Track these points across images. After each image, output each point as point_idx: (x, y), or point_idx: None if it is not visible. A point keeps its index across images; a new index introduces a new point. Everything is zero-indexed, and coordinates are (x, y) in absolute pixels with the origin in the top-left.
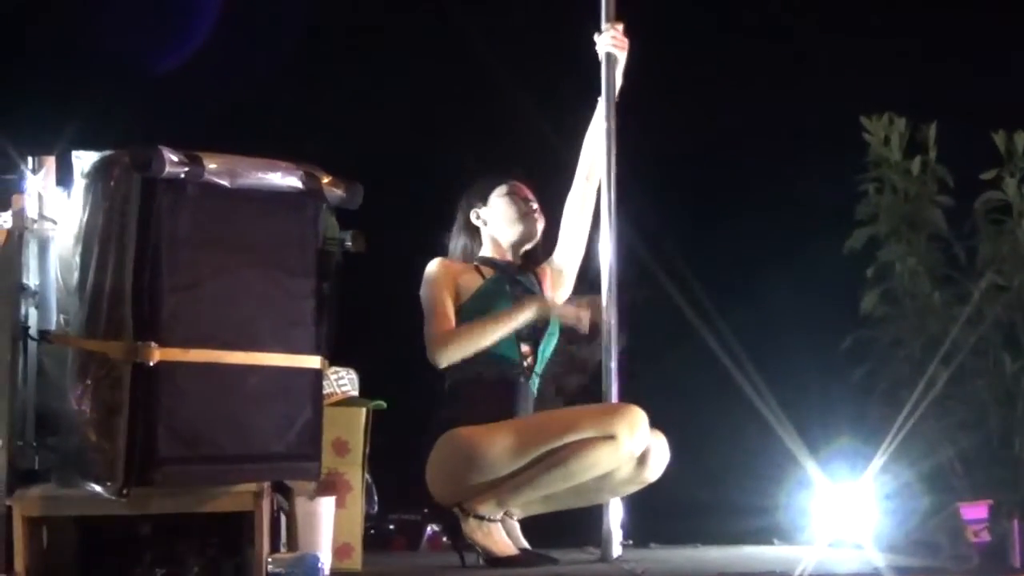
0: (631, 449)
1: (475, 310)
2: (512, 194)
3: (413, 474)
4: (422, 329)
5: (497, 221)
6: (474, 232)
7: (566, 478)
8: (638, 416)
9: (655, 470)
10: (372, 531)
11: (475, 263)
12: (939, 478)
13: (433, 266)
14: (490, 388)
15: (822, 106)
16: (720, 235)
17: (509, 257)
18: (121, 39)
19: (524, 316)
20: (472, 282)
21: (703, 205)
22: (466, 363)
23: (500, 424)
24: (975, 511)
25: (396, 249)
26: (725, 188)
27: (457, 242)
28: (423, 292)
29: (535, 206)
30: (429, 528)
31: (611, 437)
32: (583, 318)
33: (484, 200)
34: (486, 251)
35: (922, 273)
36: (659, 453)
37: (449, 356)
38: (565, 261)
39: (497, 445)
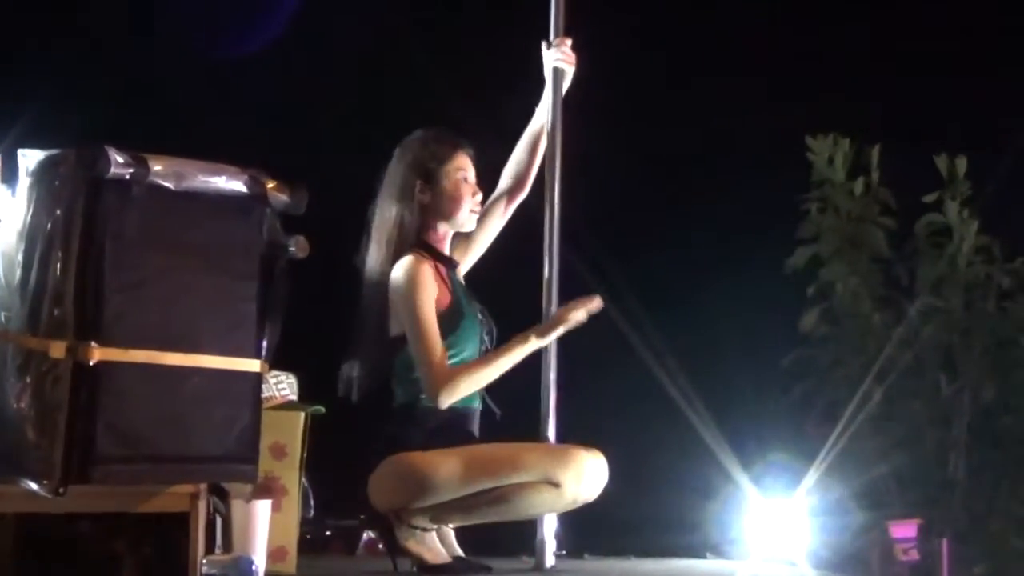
0: (575, 498)
1: (447, 331)
2: (465, 180)
3: (351, 480)
4: (356, 335)
5: (444, 207)
6: (411, 205)
7: (505, 514)
8: (587, 465)
9: (592, 490)
10: (308, 535)
11: (431, 259)
12: (873, 495)
13: (416, 270)
14: (447, 412)
15: (767, 124)
16: (659, 249)
17: (442, 244)
18: (70, 38)
19: (528, 348)
20: (442, 293)
21: (644, 219)
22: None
23: (449, 452)
24: (904, 530)
25: (337, 254)
26: (667, 203)
27: (391, 211)
28: (408, 299)
29: (480, 199)
30: (366, 534)
31: (556, 484)
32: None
33: (429, 177)
34: (424, 234)
35: (863, 293)
36: (597, 473)
37: (453, 399)
38: (470, 254)
39: (443, 475)
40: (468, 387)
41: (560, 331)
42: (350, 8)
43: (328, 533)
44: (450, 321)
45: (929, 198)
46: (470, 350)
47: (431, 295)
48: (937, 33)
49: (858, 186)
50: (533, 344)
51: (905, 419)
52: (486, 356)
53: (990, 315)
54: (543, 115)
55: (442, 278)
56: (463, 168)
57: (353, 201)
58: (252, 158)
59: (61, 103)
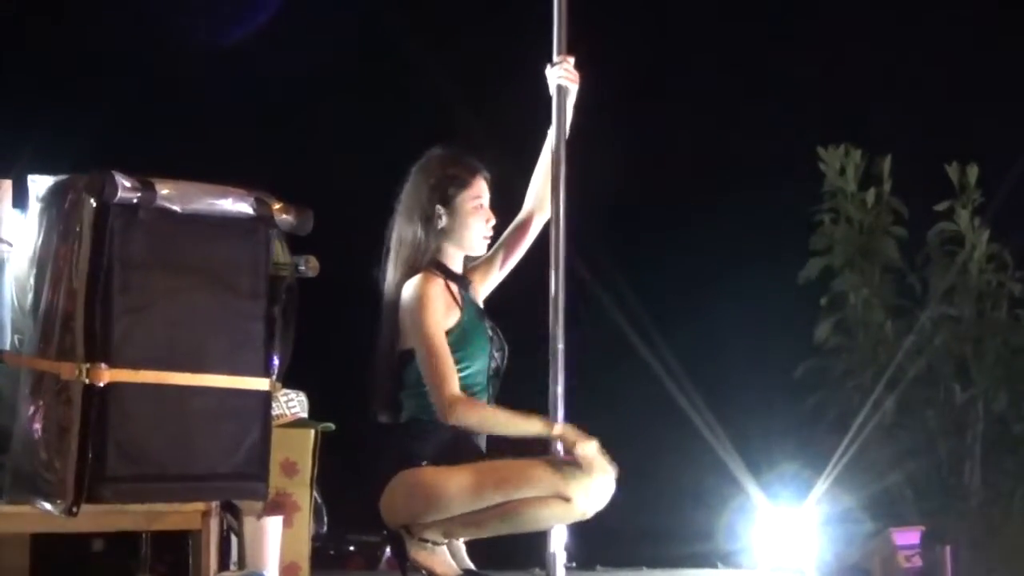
0: (584, 511)
1: (455, 348)
2: (480, 207)
3: (367, 496)
4: (374, 352)
5: (457, 232)
6: (429, 228)
7: (516, 527)
8: (595, 479)
9: (602, 502)
10: (332, 552)
11: (442, 277)
12: (884, 504)
13: (425, 289)
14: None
15: (778, 135)
16: (669, 261)
17: (457, 266)
18: (79, 63)
19: (537, 428)
20: (451, 311)
21: (654, 231)
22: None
23: (459, 467)
24: (907, 537)
25: (346, 272)
26: (677, 215)
27: (410, 232)
28: (417, 318)
29: (493, 224)
30: (388, 549)
31: (566, 498)
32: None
33: (447, 202)
34: (438, 255)
35: (875, 304)
36: (606, 485)
37: (460, 423)
38: (488, 280)
39: (454, 489)
40: (474, 424)
41: (568, 441)
42: (359, 29)
43: (351, 548)
44: (459, 338)
45: (941, 207)
46: (477, 366)
47: (440, 313)
48: (948, 41)
49: (870, 196)
50: (541, 427)
51: (918, 428)
52: (504, 411)
53: (1002, 323)
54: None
55: (453, 296)
56: (480, 195)
57: (364, 219)
58: (262, 176)
59: (69, 128)
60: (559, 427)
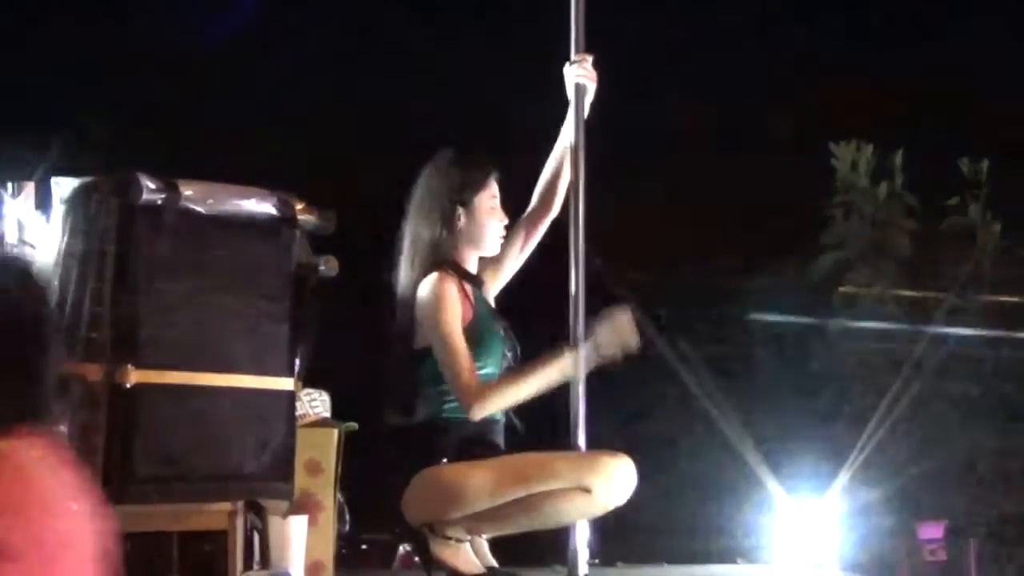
0: (605, 503)
1: (469, 347)
2: (496, 208)
3: (382, 495)
4: (388, 351)
5: (475, 233)
6: (447, 229)
7: (538, 521)
8: (616, 471)
9: (622, 495)
10: (344, 550)
11: (457, 276)
12: (902, 498)
13: (441, 287)
14: (471, 423)
15: (790, 131)
16: (683, 257)
17: (471, 267)
18: (102, 66)
19: (563, 373)
20: (465, 310)
21: (668, 223)
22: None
23: (480, 463)
24: (931, 531)
25: (368, 271)
26: (693, 212)
27: (426, 233)
28: (433, 316)
29: (506, 223)
30: (401, 547)
31: (587, 490)
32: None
33: (466, 202)
34: (452, 255)
35: (888, 297)
36: (627, 478)
37: (486, 412)
38: (498, 279)
39: (475, 485)
40: (499, 403)
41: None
42: (374, 33)
43: (364, 547)
44: (472, 337)
45: (952, 201)
46: (491, 367)
47: (456, 311)
48: (961, 37)
49: (882, 191)
50: (566, 360)
51: (934, 421)
52: (517, 372)
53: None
54: (568, 134)
55: (466, 295)
56: (495, 195)
57: (384, 219)
58: (286, 179)
59: (91, 130)
60: (578, 354)
